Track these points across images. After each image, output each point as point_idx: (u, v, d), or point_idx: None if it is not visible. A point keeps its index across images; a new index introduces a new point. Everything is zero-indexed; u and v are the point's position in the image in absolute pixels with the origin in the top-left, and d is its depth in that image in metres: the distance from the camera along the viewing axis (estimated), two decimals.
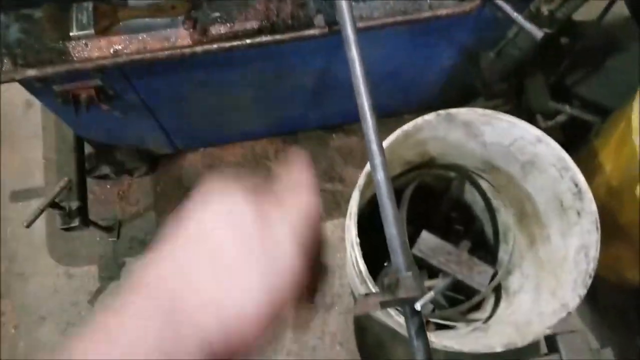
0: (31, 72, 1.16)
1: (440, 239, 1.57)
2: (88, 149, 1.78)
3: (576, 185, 1.24)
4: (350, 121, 2.06)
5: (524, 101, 1.82)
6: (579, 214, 1.25)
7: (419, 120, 1.25)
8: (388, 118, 2.08)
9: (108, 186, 1.96)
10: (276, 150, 2.06)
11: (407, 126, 1.25)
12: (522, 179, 1.43)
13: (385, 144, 1.21)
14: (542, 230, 1.42)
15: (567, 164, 1.24)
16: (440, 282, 1.52)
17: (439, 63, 1.67)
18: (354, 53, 0.94)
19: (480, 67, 1.60)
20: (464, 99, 1.96)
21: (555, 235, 1.36)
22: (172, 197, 1.98)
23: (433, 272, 1.56)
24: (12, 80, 1.17)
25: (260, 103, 1.70)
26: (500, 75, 1.60)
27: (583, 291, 1.18)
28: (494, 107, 1.83)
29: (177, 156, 2.02)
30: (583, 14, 1.72)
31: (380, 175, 0.86)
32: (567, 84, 2.01)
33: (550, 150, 1.26)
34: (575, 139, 1.85)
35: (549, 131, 1.71)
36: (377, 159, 0.88)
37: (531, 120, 1.80)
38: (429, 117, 1.26)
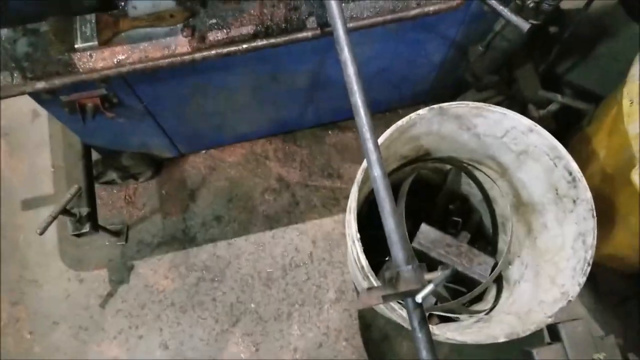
0: (40, 85, 1.21)
1: (439, 231, 1.60)
2: (95, 155, 1.83)
3: (570, 173, 1.27)
4: (345, 118, 2.11)
5: (515, 92, 1.86)
6: (574, 201, 1.28)
7: (413, 115, 1.29)
8: (382, 114, 2.14)
9: (115, 191, 2.02)
10: (275, 149, 2.11)
11: (401, 122, 1.28)
12: (517, 168, 1.47)
13: (380, 140, 1.25)
14: (539, 218, 1.46)
15: (560, 152, 1.28)
16: (440, 274, 1.56)
17: (429, 58, 1.71)
18: (346, 54, 0.98)
19: (469, 61, 1.63)
20: (456, 92, 2.00)
21: (552, 223, 1.39)
22: (176, 199, 2.03)
23: (434, 264, 1.59)
24: (23, 93, 1.22)
25: (258, 104, 1.75)
26: (490, 67, 1.63)
27: (582, 279, 1.20)
28: (486, 99, 1.88)
29: (180, 159, 2.07)
30: (570, 2, 1.76)
31: (377, 172, 0.90)
32: (558, 72, 2.04)
33: (543, 139, 1.30)
34: (568, 127, 1.88)
35: (541, 120, 1.76)
36: (373, 156, 0.92)
37: (524, 110, 1.84)
38: (422, 112, 1.30)
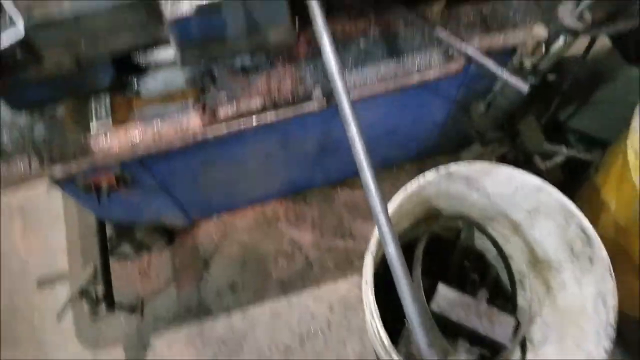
0: (57, 171, 1.24)
1: (457, 291, 1.58)
2: (108, 229, 1.85)
3: (584, 231, 1.26)
4: (354, 175, 2.11)
5: (519, 144, 1.87)
6: (590, 260, 1.26)
7: (421, 180, 1.30)
8: (389, 169, 2.15)
9: (129, 263, 2.01)
10: (286, 210, 2.12)
11: (410, 188, 1.30)
12: (530, 225, 1.46)
13: (391, 207, 1.26)
14: (557, 276, 1.43)
15: (572, 210, 1.27)
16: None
17: (432, 117, 1.76)
18: (353, 131, 1.01)
19: (472, 118, 1.66)
20: (461, 143, 2.03)
21: (570, 282, 1.36)
22: (190, 268, 2.02)
23: (454, 328, 1.56)
24: (41, 178, 1.25)
25: (268, 170, 1.79)
26: (492, 124, 1.66)
27: (608, 344, 1.17)
28: (491, 151, 1.90)
29: (192, 227, 2.08)
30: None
31: (392, 249, 0.89)
32: (560, 119, 2.07)
33: (553, 198, 1.30)
34: (576, 175, 1.88)
35: (548, 172, 1.76)
36: (388, 236, 0.91)
37: (529, 161, 1.85)
38: (430, 176, 1.31)
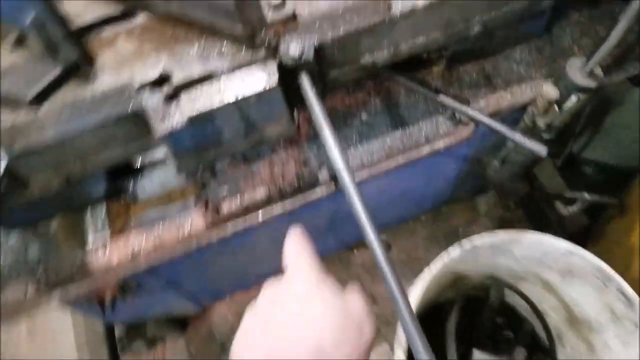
0: (55, 298, 1.17)
1: (493, 356, 1.49)
2: (119, 328, 1.76)
3: (624, 294, 1.17)
4: None
5: (537, 187, 1.80)
6: (635, 324, 1.17)
7: (445, 258, 1.22)
8: (405, 222, 2.07)
9: (143, 357, 1.91)
10: None
11: (435, 268, 1.22)
12: (564, 286, 1.37)
13: (417, 290, 1.17)
14: (599, 336, 1.33)
15: (608, 274, 1.19)
16: None
17: (444, 175, 1.69)
18: (370, 235, 0.93)
19: (487, 174, 1.59)
20: (477, 191, 1.95)
21: (615, 345, 1.27)
22: (206, 353, 1.92)
23: None
24: (37, 308, 1.17)
25: (278, 249, 1.70)
26: (509, 178, 1.58)
27: None
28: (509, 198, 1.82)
29: (205, 310, 1.98)
30: None
31: None
32: (574, 152, 1.99)
33: (586, 261, 1.21)
34: (600, 214, 1.80)
35: (572, 218, 1.68)
36: (418, 344, 0.83)
37: (550, 205, 1.77)
38: (454, 253, 1.23)
